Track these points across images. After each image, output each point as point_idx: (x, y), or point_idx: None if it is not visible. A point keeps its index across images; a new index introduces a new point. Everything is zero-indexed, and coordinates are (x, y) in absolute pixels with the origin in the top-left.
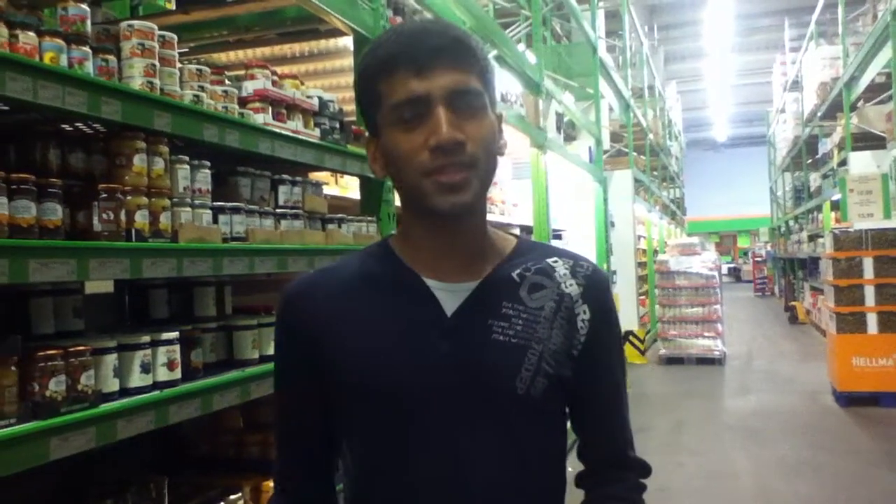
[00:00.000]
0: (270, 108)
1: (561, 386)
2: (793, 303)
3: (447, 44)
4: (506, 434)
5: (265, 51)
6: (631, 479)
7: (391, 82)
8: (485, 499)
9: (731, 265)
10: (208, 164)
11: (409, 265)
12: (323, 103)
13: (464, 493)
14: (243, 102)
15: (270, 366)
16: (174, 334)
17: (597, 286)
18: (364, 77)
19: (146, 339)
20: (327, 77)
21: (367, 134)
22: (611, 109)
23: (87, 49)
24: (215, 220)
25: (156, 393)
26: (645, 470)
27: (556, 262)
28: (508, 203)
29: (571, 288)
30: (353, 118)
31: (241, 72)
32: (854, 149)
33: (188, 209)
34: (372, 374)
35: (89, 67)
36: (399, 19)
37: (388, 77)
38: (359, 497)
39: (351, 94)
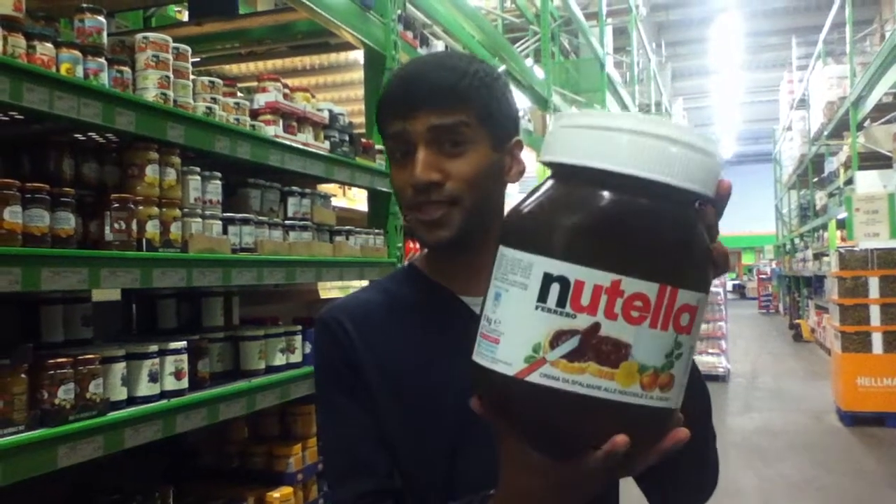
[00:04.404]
0: (281, 121)
1: None
2: (797, 321)
3: (431, 88)
4: None
5: (276, 63)
6: None
7: (384, 120)
8: None
9: (736, 282)
10: (219, 175)
11: (442, 283)
12: (333, 116)
13: None
14: (255, 115)
15: (276, 377)
16: (182, 344)
17: None
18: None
19: (154, 348)
20: (338, 90)
21: None
22: None
23: (102, 60)
24: (225, 231)
25: (163, 402)
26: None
27: None
28: None
29: None
30: (363, 131)
31: (253, 84)
32: (860, 168)
33: (199, 220)
34: (413, 393)
35: (104, 79)
36: (410, 34)
37: (381, 115)
38: None
39: (360, 106)
